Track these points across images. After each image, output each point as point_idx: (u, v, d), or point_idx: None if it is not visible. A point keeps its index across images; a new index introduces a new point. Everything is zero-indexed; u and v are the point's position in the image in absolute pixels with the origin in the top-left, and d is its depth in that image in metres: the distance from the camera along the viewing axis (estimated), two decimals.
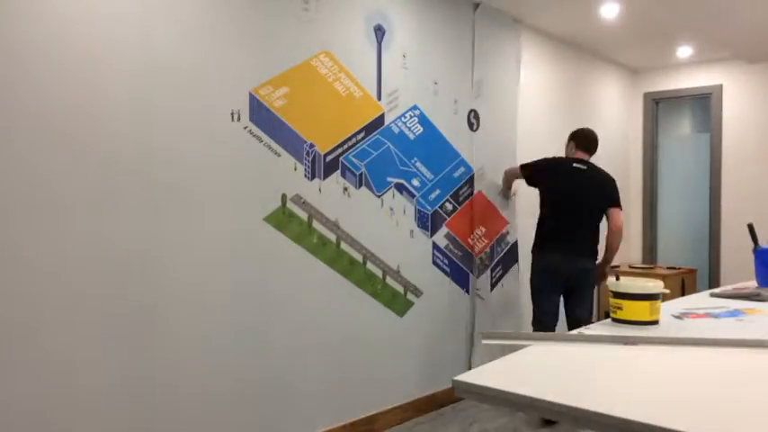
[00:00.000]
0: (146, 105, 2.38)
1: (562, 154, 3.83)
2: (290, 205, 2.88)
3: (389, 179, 3.38)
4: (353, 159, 3.18)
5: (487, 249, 4.04)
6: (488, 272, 4.05)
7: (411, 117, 3.51)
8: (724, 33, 4.66)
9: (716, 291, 2.48)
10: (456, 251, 3.84)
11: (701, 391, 1.23)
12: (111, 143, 2.29)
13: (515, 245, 4.24)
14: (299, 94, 2.91)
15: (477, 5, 3.93)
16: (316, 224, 3.00)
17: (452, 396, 1.45)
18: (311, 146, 2.97)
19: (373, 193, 3.29)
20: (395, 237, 3.42)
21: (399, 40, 3.43)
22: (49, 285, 2.14)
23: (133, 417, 2.36)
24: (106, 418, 2.29)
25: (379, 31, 3.31)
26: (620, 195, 3.71)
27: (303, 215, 2.94)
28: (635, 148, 5.94)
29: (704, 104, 5.71)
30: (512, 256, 4.23)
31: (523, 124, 4.38)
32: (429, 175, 3.63)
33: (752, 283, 2.58)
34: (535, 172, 3.72)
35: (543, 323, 3.56)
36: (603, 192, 3.62)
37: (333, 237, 3.08)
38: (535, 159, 3.78)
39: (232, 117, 2.65)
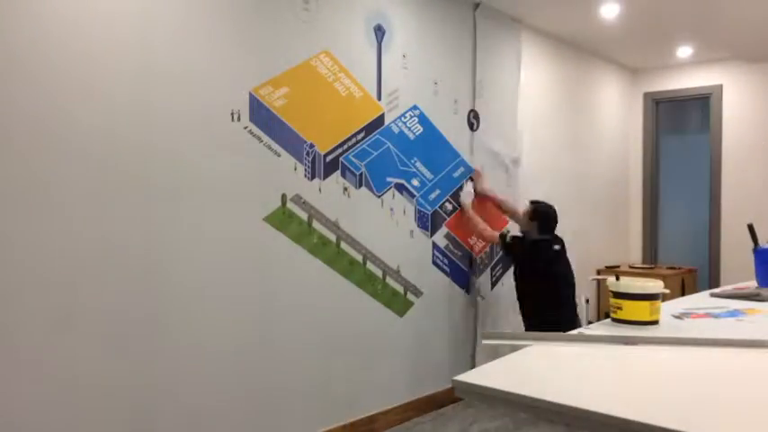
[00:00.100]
0: (145, 105, 2.38)
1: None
2: (290, 205, 2.88)
3: (389, 179, 3.38)
4: (353, 159, 3.17)
5: (487, 249, 4.04)
6: (488, 271, 4.05)
7: (411, 117, 3.51)
8: (724, 33, 4.66)
9: (716, 291, 2.47)
10: (456, 251, 3.84)
11: (701, 391, 1.23)
12: (111, 143, 2.28)
13: None
14: (299, 94, 2.91)
15: (477, 5, 3.93)
16: (316, 224, 2.99)
17: (452, 396, 1.45)
18: (311, 146, 2.97)
19: (373, 193, 3.29)
20: (395, 237, 3.42)
21: (399, 40, 3.43)
22: (48, 288, 2.14)
23: (134, 417, 2.36)
24: (107, 418, 2.29)
25: (379, 31, 3.31)
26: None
27: (303, 215, 2.94)
28: (635, 148, 5.94)
29: (704, 104, 5.71)
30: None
31: (523, 124, 4.38)
32: (429, 175, 3.63)
33: (752, 283, 2.58)
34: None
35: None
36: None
37: (333, 237, 3.08)
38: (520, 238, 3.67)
39: (232, 117, 2.65)
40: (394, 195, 3.41)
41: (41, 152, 2.12)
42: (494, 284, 4.09)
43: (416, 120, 3.54)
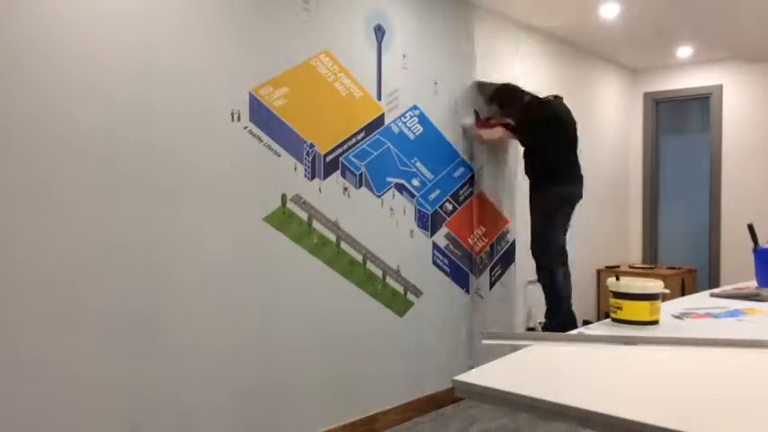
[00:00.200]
0: (145, 105, 2.38)
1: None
2: (290, 205, 2.88)
3: (389, 179, 3.38)
4: (353, 159, 3.18)
5: (487, 248, 4.04)
6: (487, 271, 4.05)
7: (411, 117, 3.51)
8: (724, 33, 4.66)
9: (716, 291, 2.47)
10: (456, 251, 3.84)
11: (701, 391, 1.23)
12: (111, 143, 2.28)
13: (514, 243, 4.24)
14: (299, 94, 2.91)
15: (477, 5, 3.93)
16: (316, 224, 2.99)
17: (452, 396, 1.45)
18: (311, 146, 2.97)
19: (373, 193, 3.29)
20: (395, 237, 3.43)
21: (399, 40, 3.43)
22: (48, 288, 2.14)
23: (134, 417, 2.36)
24: (107, 418, 2.29)
25: (379, 31, 3.31)
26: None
27: (303, 215, 2.94)
28: (635, 148, 5.94)
29: (704, 104, 5.71)
30: (510, 255, 4.22)
31: None
32: (429, 175, 3.63)
33: (752, 283, 2.58)
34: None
35: (558, 258, 3.64)
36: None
37: (333, 237, 3.08)
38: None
39: (232, 117, 2.65)
40: (394, 195, 3.41)
41: (41, 152, 2.12)
42: (492, 283, 4.09)
43: (416, 120, 3.54)
